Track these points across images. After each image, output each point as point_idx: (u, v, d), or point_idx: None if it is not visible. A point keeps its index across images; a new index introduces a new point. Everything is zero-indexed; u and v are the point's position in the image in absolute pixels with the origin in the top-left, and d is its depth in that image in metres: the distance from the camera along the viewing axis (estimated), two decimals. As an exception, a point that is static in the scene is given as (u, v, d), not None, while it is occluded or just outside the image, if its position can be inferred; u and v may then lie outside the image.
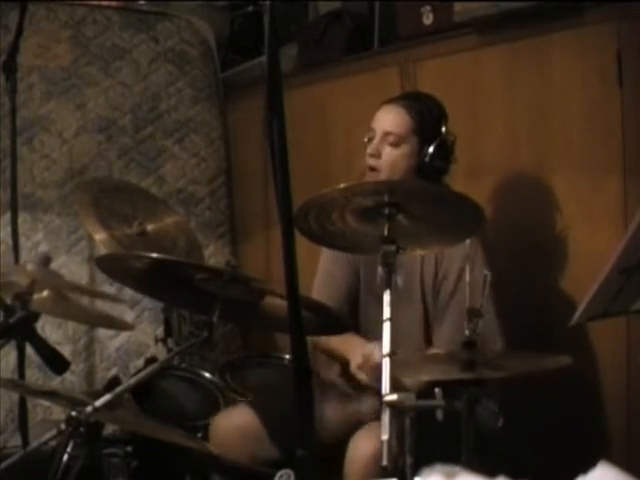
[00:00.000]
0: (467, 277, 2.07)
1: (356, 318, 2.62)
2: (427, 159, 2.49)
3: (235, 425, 2.49)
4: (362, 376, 2.36)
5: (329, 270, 2.64)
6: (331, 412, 2.42)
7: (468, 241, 2.19)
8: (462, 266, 2.40)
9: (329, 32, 3.53)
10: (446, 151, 2.52)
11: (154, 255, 2.13)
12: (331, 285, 2.62)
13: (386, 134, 2.51)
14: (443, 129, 2.52)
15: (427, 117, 2.52)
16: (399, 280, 2.48)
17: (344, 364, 2.51)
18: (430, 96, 2.62)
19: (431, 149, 2.49)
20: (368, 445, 2.18)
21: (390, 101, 2.60)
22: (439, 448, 1.67)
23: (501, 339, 2.39)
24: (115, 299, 3.01)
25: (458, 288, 2.44)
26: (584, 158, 2.65)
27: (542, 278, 2.76)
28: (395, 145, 2.51)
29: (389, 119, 2.54)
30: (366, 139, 2.56)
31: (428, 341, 2.53)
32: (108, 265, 2.29)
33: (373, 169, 2.52)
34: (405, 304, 2.49)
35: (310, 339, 2.52)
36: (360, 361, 2.35)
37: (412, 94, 2.71)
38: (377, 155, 2.52)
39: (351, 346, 2.45)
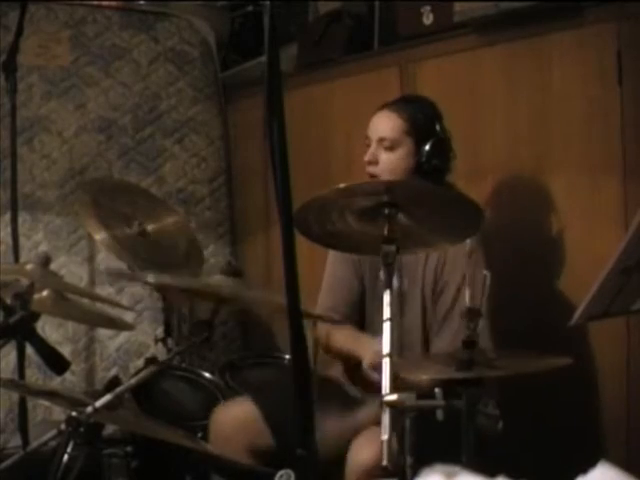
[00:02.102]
0: (466, 278, 2.07)
1: (362, 321, 2.63)
2: (424, 158, 2.51)
3: (234, 417, 2.50)
4: (375, 375, 2.20)
5: (335, 273, 2.65)
6: (330, 427, 2.35)
7: (468, 243, 2.19)
8: (464, 274, 2.39)
9: (329, 32, 3.53)
10: (443, 149, 2.53)
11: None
12: (337, 288, 2.64)
13: (381, 140, 2.54)
14: (437, 127, 2.53)
15: (419, 117, 2.54)
16: (403, 283, 2.51)
17: (346, 363, 2.51)
18: (421, 97, 2.65)
19: (427, 148, 2.50)
20: (370, 449, 2.16)
21: (382, 107, 2.62)
22: (439, 448, 1.67)
23: (490, 342, 2.35)
24: (114, 303, 3.00)
25: (459, 298, 2.43)
26: (584, 158, 2.65)
27: (542, 278, 2.76)
28: (390, 149, 2.52)
29: (381, 124, 2.56)
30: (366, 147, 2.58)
31: (426, 345, 2.52)
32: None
33: (372, 176, 2.54)
34: (406, 307, 2.51)
35: (313, 338, 2.53)
36: (373, 359, 2.24)
37: (403, 97, 2.74)
38: (374, 162, 2.54)
39: (360, 344, 2.40)
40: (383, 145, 2.53)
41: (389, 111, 2.57)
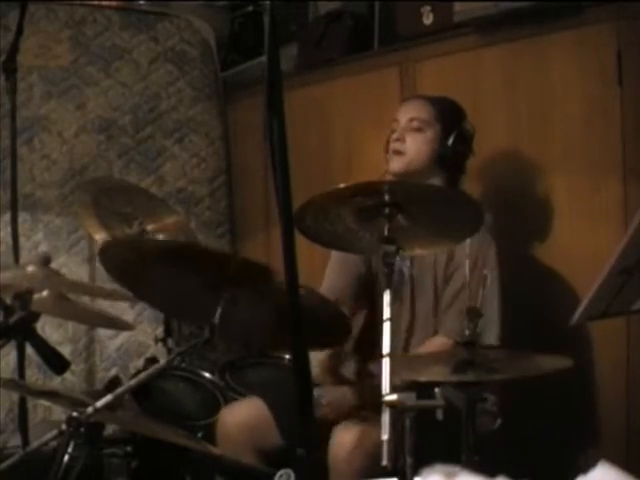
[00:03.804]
0: (467, 276, 2.08)
1: (371, 309, 2.64)
2: (449, 146, 2.56)
3: (241, 418, 2.51)
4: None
5: (341, 256, 2.67)
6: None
7: (483, 233, 2.22)
8: (475, 258, 2.41)
9: (329, 32, 3.53)
10: (467, 142, 2.60)
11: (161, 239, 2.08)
12: (341, 269, 2.66)
13: (411, 120, 2.60)
14: (463, 123, 2.61)
15: (449, 109, 2.63)
16: (413, 268, 2.53)
17: (359, 365, 2.56)
18: (449, 97, 2.71)
19: (453, 136, 2.57)
20: (351, 434, 2.25)
21: (413, 96, 2.76)
22: (439, 448, 1.67)
23: (496, 335, 2.40)
24: (117, 296, 2.99)
25: (470, 279, 2.45)
26: (584, 158, 2.65)
27: (541, 277, 2.76)
28: (419, 130, 2.59)
29: (413, 107, 2.65)
30: (389, 132, 2.63)
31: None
32: (111, 255, 2.24)
33: (398, 152, 2.58)
34: (419, 293, 2.55)
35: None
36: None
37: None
38: (402, 139, 2.59)
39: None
40: (412, 126, 2.59)
41: (421, 98, 2.69)
